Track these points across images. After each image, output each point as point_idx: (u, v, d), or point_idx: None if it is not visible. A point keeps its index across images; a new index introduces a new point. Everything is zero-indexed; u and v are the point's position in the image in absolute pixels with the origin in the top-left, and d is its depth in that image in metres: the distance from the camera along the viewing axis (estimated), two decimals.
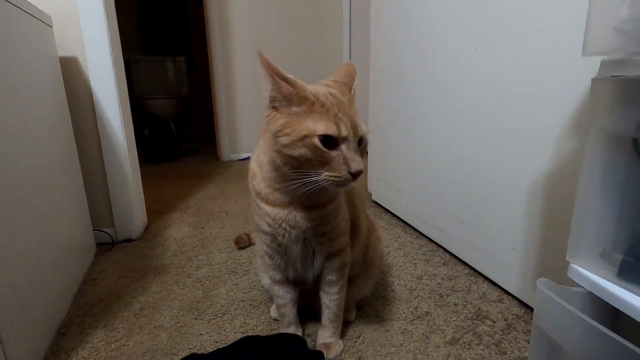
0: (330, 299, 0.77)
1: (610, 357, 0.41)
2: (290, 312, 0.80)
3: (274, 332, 0.85)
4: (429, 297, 0.98)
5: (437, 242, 1.29)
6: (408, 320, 0.89)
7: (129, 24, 3.49)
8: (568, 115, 0.78)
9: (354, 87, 0.65)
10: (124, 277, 1.11)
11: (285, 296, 0.79)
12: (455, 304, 0.95)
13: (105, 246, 1.30)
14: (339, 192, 0.69)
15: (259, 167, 0.68)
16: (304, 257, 0.73)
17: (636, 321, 0.43)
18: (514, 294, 0.97)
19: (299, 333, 0.81)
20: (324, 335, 0.79)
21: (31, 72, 0.89)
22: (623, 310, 0.45)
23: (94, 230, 1.27)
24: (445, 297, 0.98)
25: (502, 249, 0.99)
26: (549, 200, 0.85)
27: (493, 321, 0.88)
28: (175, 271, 1.14)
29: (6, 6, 0.77)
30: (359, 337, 0.83)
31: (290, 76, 0.58)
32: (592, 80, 0.49)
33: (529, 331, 0.83)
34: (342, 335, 0.83)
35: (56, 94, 1.07)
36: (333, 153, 0.56)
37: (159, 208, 1.73)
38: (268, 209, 0.68)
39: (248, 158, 1.07)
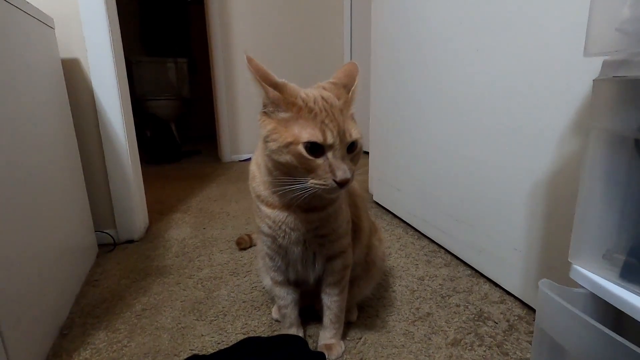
0: (331, 300, 0.77)
1: (612, 358, 0.41)
2: (292, 313, 0.80)
3: (276, 333, 0.85)
4: (430, 298, 0.98)
5: (439, 242, 1.29)
6: (410, 321, 0.89)
7: (130, 25, 3.49)
8: (569, 115, 0.77)
9: (353, 87, 0.63)
10: (125, 278, 1.11)
11: (286, 297, 0.79)
12: (457, 305, 0.95)
13: (107, 247, 1.30)
14: (338, 195, 0.68)
15: (258, 169, 0.68)
16: (305, 259, 0.73)
17: (639, 322, 0.43)
18: (516, 295, 0.96)
19: (301, 334, 0.81)
20: (326, 337, 0.78)
21: (33, 73, 0.89)
22: (625, 312, 0.44)
23: (95, 231, 1.28)
24: (447, 298, 0.98)
25: (503, 250, 0.99)
26: (550, 200, 0.85)
27: (495, 322, 0.88)
28: (176, 272, 1.14)
29: (9, 8, 0.78)
30: (360, 338, 0.83)
31: (281, 80, 0.57)
32: (594, 80, 0.49)
33: (531, 332, 0.83)
34: (344, 336, 0.82)
35: (58, 95, 1.07)
36: (319, 160, 0.55)
37: (160, 209, 1.73)
38: (268, 211, 0.67)
39: (249, 159, 1.07)
